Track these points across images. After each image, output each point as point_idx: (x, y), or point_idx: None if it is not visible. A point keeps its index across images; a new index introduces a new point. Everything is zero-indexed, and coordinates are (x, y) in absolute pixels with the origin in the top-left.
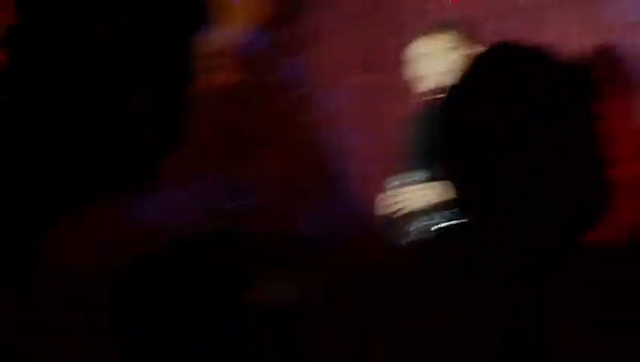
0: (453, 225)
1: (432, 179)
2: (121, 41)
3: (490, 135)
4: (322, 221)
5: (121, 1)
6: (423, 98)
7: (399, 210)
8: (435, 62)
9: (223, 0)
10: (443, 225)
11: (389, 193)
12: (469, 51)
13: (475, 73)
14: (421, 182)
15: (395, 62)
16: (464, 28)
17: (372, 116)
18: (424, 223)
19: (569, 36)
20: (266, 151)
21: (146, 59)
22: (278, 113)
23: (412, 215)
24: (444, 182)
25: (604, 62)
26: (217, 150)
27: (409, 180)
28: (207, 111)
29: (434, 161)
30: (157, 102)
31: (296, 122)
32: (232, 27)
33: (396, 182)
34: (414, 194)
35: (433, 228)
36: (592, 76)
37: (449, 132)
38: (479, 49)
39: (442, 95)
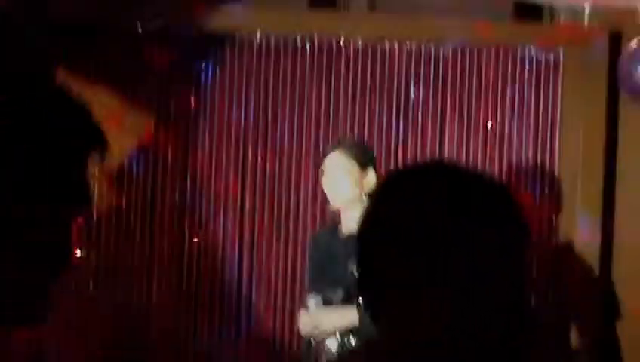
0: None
1: (344, 298)
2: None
3: (411, 251)
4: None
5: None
6: (328, 216)
7: (316, 332)
8: (339, 183)
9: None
10: (357, 345)
11: (304, 315)
12: (372, 172)
13: (392, 189)
14: (329, 302)
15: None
16: (367, 148)
17: (271, 236)
18: (340, 344)
19: (469, 151)
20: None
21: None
22: (169, 238)
23: (328, 336)
24: (356, 303)
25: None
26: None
27: (321, 301)
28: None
29: (338, 280)
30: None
31: (190, 246)
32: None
33: (310, 303)
34: (329, 317)
35: (350, 349)
36: (512, 194)
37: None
38: (393, 170)
39: (350, 209)
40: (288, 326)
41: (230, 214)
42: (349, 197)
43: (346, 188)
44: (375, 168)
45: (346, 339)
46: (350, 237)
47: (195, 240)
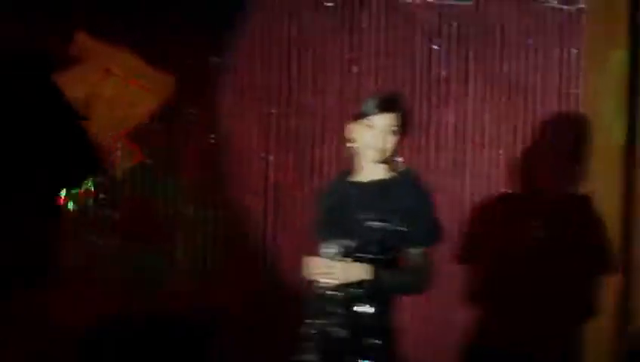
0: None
1: (357, 248)
2: None
3: None
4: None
5: None
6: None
7: (326, 280)
8: (386, 143)
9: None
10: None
11: (316, 260)
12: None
13: None
14: (340, 253)
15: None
16: (407, 112)
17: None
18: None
19: (493, 103)
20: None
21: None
22: (194, 193)
23: (333, 287)
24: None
25: None
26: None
27: (333, 251)
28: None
29: (351, 229)
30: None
31: (214, 200)
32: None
33: (328, 250)
34: (345, 269)
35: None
36: None
37: None
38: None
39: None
40: None
41: (254, 169)
42: (387, 156)
43: (389, 148)
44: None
45: (352, 290)
46: (369, 184)
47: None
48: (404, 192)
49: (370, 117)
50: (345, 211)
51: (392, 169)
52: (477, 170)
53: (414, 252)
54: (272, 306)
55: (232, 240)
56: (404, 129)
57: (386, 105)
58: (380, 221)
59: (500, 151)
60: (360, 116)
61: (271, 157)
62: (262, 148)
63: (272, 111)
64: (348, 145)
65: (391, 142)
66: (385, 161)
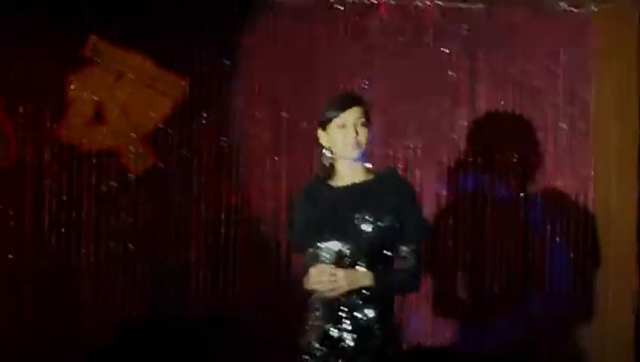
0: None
1: (353, 252)
2: None
3: None
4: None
5: None
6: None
7: (328, 288)
8: (361, 137)
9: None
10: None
11: (319, 271)
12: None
13: None
14: (337, 257)
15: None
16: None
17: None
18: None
19: (501, 107)
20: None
21: None
22: (207, 197)
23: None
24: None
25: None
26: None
27: (330, 256)
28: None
29: (341, 232)
30: None
31: (227, 205)
32: (151, 114)
33: (324, 257)
34: (342, 277)
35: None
36: None
37: None
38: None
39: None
40: None
41: (266, 173)
42: (363, 150)
43: (364, 141)
44: None
45: (355, 295)
46: (354, 186)
47: (233, 198)
48: (391, 191)
49: (338, 116)
50: (334, 215)
51: (370, 171)
52: (487, 172)
53: (406, 249)
54: (283, 310)
55: (245, 244)
56: (369, 121)
57: (350, 100)
58: (372, 221)
59: (515, 156)
60: (327, 120)
61: (283, 162)
62: (274, 151)
63: (284, 114)
64: (323, 151)
65: (364, 134)
66: (360, 165)
